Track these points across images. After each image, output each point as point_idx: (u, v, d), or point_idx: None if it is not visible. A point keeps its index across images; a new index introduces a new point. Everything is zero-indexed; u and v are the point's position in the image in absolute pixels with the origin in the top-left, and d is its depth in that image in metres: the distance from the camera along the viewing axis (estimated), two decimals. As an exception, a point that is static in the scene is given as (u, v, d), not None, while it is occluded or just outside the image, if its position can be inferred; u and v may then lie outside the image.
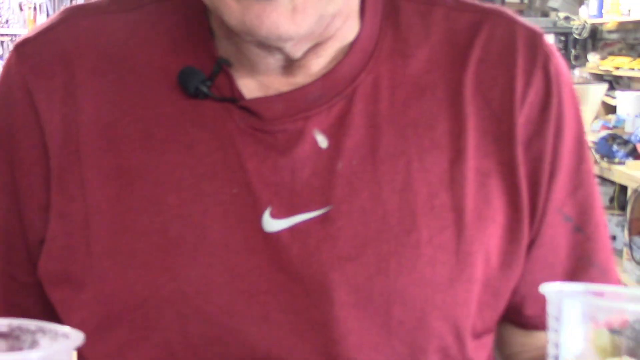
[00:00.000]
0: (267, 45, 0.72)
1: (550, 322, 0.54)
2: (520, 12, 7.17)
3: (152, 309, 0.73)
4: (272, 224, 0.72)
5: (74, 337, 0.53)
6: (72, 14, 0.81)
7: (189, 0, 0.78)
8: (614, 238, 4.08)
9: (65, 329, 0.53)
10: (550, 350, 0.54)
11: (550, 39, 5.35)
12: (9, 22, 7.03)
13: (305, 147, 0.73)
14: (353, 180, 0.73)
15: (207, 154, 0.74)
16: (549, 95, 0.76)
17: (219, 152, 0.74)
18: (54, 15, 0.82)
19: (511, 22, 0.78)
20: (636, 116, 4.50)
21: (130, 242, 0.74)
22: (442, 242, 0.73)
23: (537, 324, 0.78)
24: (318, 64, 0.75)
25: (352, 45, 0.76)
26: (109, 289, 0.74)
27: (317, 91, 0.74)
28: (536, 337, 0.81)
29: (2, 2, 7.06)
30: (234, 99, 0.75)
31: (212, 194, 0.73)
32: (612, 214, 4.12)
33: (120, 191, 0.75)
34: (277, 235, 0.72)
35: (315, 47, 0.74)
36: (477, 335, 0.77)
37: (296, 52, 0.73)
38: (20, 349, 0.54)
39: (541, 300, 0.57)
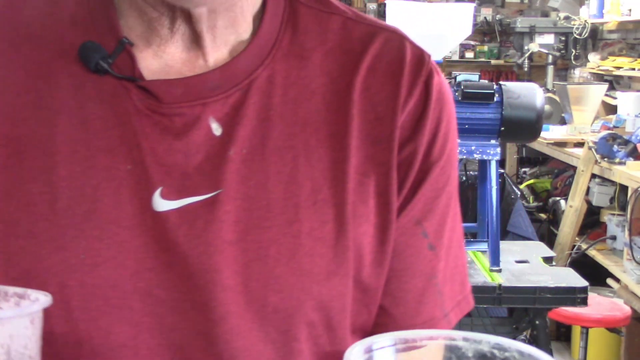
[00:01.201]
0: (177, 11, 0.74)
1: None
2: (521, 12, 7.17)
3: (34, 279, 0.72)
4: (161, 203, 0.74)
5: (37, 298, 0.51)
6: None
7: None
8: (614, 238, 4.08)
9: (17, 289, 0.52)
10: None
11: (550, 38, 5.29)
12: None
13: (199, 133, 0.76)
14: (242, 168, 0.76)
15: (103, 129, 0.75)
16: (426, 108, 0.80)
17: (116, 129, 0.75)
18: None
19: (402, 39, 0.83)
20: (636, 116, 4.49)
21: (15, 210, 0.74)
22: (322, 236, 0.76)
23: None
24: (216, 48, 0.78)
25: (251, 40, 0.79)
26: None
27: (216, 80, 0.77)
28: None
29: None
30: (134, 78, 0.76)
31: (105, 169, 0.74)
32: (612, 214, 4.12)
33: (8, 159, 0.75)
34: (165, 214, 0.74)
35: (213, 28, 0.76)
36: (354, 331, 0.80)
37: (202, 12, 0.75)
38: None
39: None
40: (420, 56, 0.82)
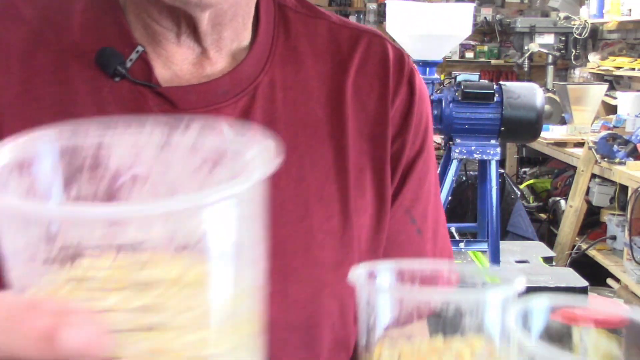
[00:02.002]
0: (182, 15, 0.76)
1: (361, 305, 0.57)
2: (521, 12, 7.17)
3: None
4: None
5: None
6: None
7: None
8: (614, 238, 4.08)
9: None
10: (362, 328, 0.57)
11: (550, 38, 5.28)
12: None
13: None
14: None
15: None
16: (412, 104, 0.87)
17: None
18: None
19: (384, 41, 0.89)
20: (636, 116, 4.49)
21: None
22: (330, 228, 0.82)
23: None
24: (221, 57, 0.81)
25: (251, 47, 0.83)
26: None
27: (226, 86, 0.80)
28: None
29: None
30: (152, 84, 0.79)
31: None
32: (613, 214, 4.12)
33: None
34: None
35: (218, 40, 0.79)
36: (354, 318, 0.84)
37: (207, 27, 0.77)
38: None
39: None
40: (401, 56, 0.88)
